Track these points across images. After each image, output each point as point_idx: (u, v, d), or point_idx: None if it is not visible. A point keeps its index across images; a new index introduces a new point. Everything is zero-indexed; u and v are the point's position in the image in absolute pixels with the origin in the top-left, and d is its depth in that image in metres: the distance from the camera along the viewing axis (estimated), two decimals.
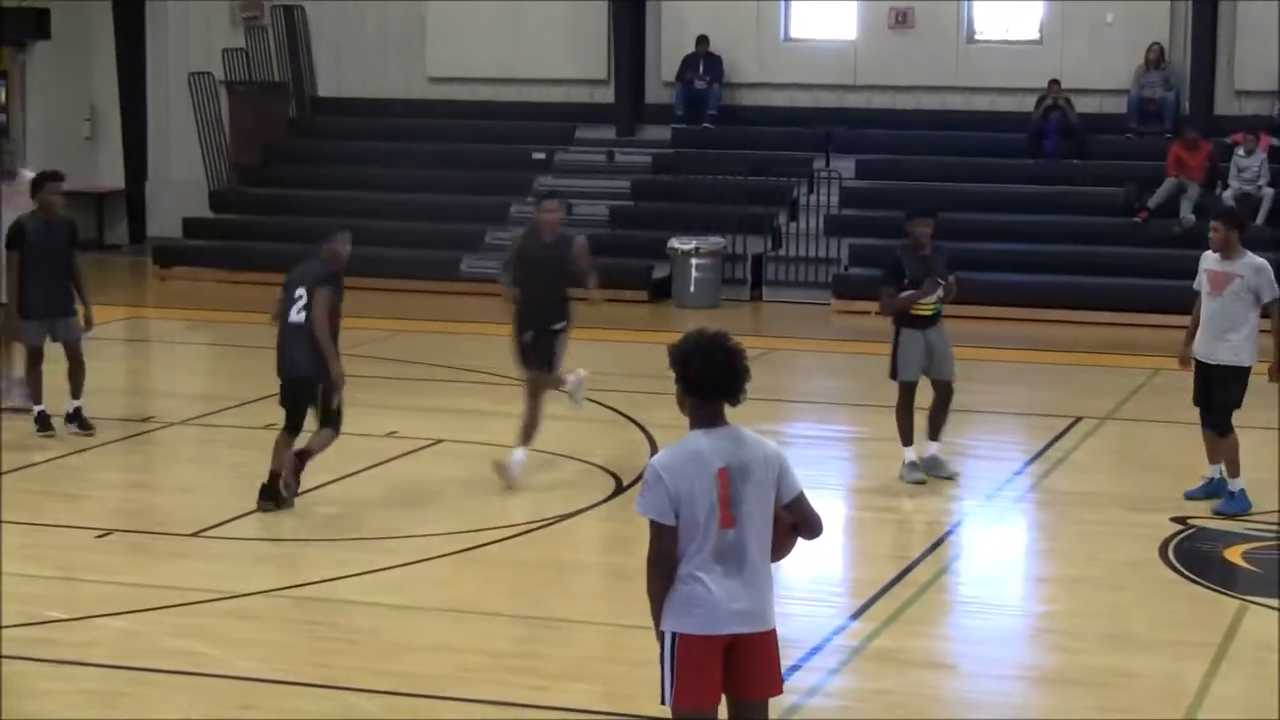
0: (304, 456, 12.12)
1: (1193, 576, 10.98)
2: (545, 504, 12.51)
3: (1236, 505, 12.19)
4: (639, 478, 12.75)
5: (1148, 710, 8.73)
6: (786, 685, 6.77)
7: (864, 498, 13.02)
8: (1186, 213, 22.27)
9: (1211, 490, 12.42)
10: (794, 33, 26.03)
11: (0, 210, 14.84)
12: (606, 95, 26.22)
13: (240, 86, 27.56)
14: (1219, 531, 11.90)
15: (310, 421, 12.27)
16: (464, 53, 26.80)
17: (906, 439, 13.16)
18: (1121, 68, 24.24)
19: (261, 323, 20.88)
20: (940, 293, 13.03)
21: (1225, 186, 22.38)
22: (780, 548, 6.52)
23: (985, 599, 10.78)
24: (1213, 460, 12.42)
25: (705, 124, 25.44)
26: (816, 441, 15.19)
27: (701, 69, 25.52)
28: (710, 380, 6.38)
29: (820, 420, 16.37)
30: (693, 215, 23.66)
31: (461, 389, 17.03)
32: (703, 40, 25.50)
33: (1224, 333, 12.04)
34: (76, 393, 14.45)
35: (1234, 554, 11.47)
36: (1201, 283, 12.19)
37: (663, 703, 6.52)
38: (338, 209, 25.34)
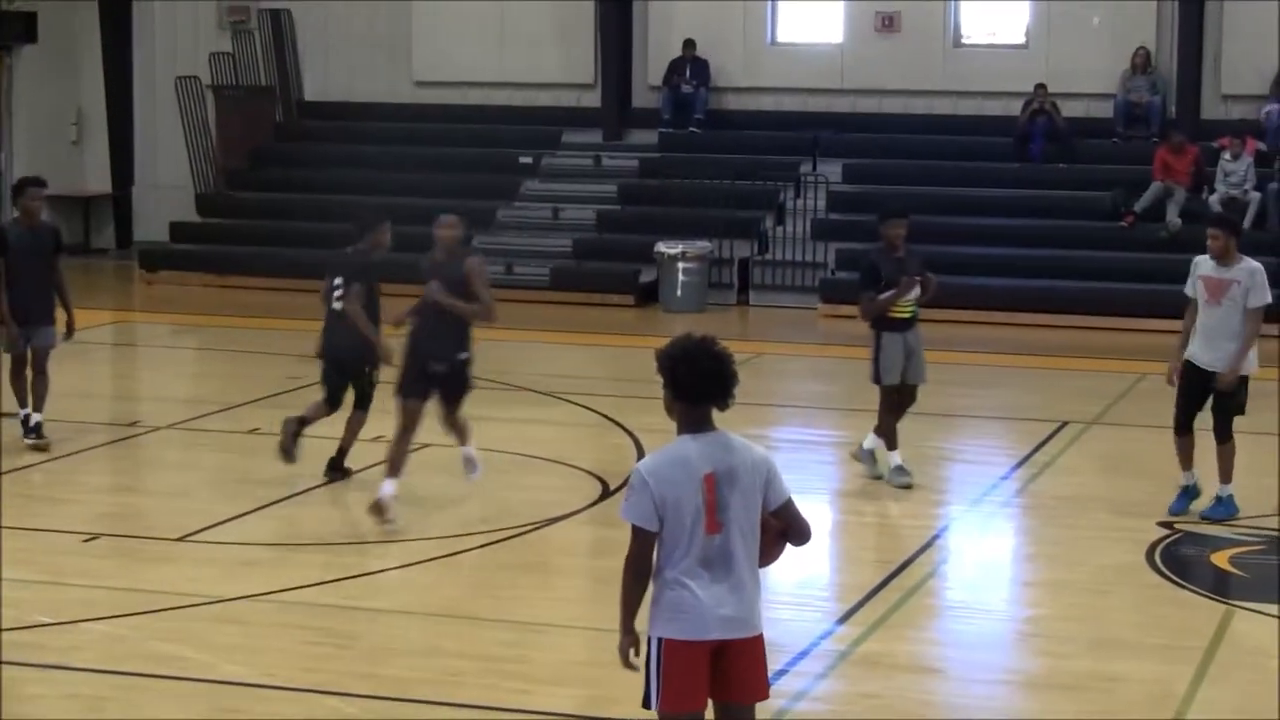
0: (302, 423, 13.03)
1: (1180, 581, 10.99)
2: (531, 508, 12.50)
3: (1224, 510, 12.17)
4: (625, 482, 12.80)
5: (1135, 715, 8.73)
6: (773, 690, 6.78)
7: (851, 502, 13.02)
8: (1173, 217, 22.31)
9: (1190, 496, 12.28)
10: (781, 36, 26.05)
11: None
12: (593, 99, 26.23)
13: (227, 90, 27.53)
14: (1206, 536, 11.90)
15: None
16: (450, 56, 26.81)
17: (891, 443, 13.16)
18: (1108, 71, 24.27)
19: (248, 326, 21.05)
20: (918, 291, 12.98)
21: (1212, 191, 22.41)
22: (768, 553, 6.52)
23: (972, 603, 10.79)
24: (1186, 466, 12.24)
25: (692, 128, 25.45)
26: (803, 446, 15.19)
27: (688, 73, 25.53)
28: (698, 385, 6.37)
29: (807, 425, 16.37)
30: (679, 219, 23.68)
31: None
32: (689, 44, 25.51)
33: (1226, 340, 11.90)
34: (38, 405, 14.13)
35: (1221, 559, 11.48)
36: (1198, 290, 12.03)
37: (646, 707, 6.52)
38: (325, 213, 25.35)
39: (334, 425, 13.15)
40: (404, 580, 10.86)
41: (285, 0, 27.50)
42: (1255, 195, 22.20)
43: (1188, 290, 12.15)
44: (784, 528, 6.51)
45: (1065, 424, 15.69)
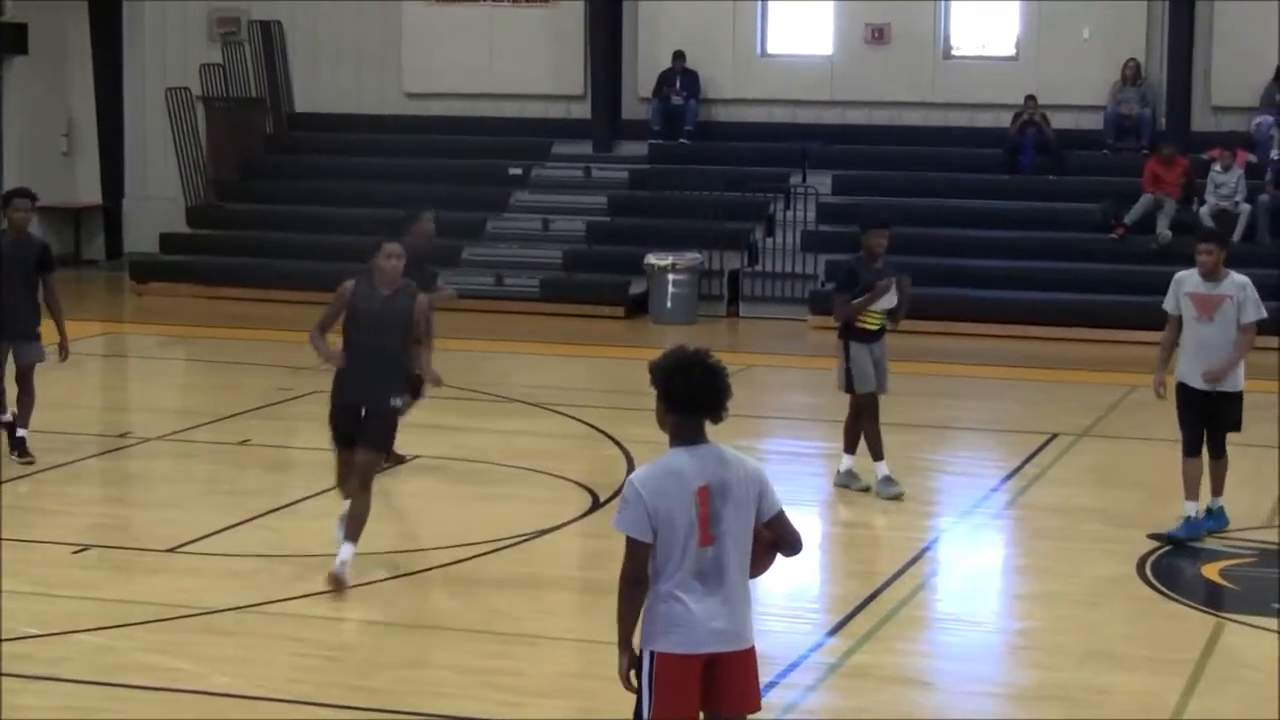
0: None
1: (1170, 593, 10.99)
2: (520, 520, 12.48)
3: (1215, 523, 12.11)
4: (616, 493, 12.80)
5: None
6: (764, 702, 6.77)
7: (840, 514, 13.03)
8: (1163, 229, 22.35)
9: (1192, 530, 11.96)
10: (771, 48, 26.08)
11: None
12: (583, 111, 26.24)
13: (217, 102, 27.54)
14: (1197, 549, 11.90)
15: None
16: (440, 68, 26.81)
17: (877, 454, 13.16)
18: (1098, 83, 24.32)
19: (238, 338, 21.03)
20: (893, 300, 12.97)
21: (1202, 203, 22.45)
22: (759, 565, 6.52)
23: (962, 615, 10.78)
24: (1191, 495, 11.98)
25: (682, 139, 25.47)
26: (793, 458, 15.19)
27: (678, 84, 25.56)
28: (692, 397, 6.37)
29: (797, 436, 16.37)
30: (669, 231, 23.69)
31: (437, 404, 16.92)
32: (679, 56, 25.53)
33: (1221, 356, 11.71)
34: (24, 421, 14.02)
35: (1211, 571, 11.49)
36: (1184, 307, 11.80)
37: (636, 718, 6.51)
38: (315, 224, 25.40)
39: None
40: (393, 592, 10.85)
41: (275, 12, 27.51)
42: (1246, 207, 22.24)
43: (1168, 307, 11.91)
44: (775, 539, 6.51)
45: (1056, 436, 15.70)
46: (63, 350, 14.04)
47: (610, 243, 24.38)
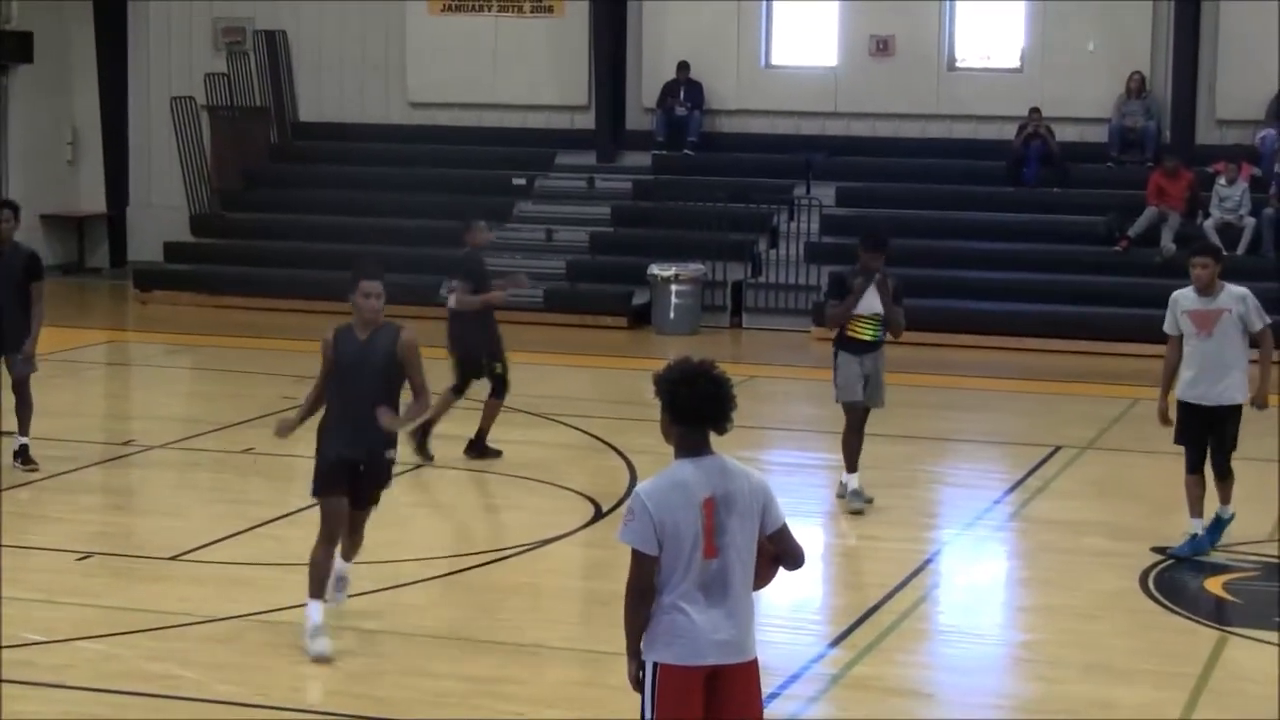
0: (429, 425, 14.12)
1: (1173, 607, 10.98)
2: (523, 529, 12.48)
3: (1213, 533, 12.04)
4: (618, 504, 12.81)
5: None
6: (765, 713, 6.76)
7: (844, 525, 13.02)
8: (1167, 242, 22.34)
9: (1197, 547, 11.92)
10: (775, 59, 26.09)
11: None
12: (587, 121, 26.26)
13: (222, 111, 27.55)
14: (1200, 562, 11.89)
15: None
16: (445, 78, 26.83)
17: (850, 465, 13.14)
18: (1103, 96, 24.32)
19: (242, 346, 21.04)
20: (875, 301, 12.80)
21: (1206, 216, 22.45)
22: (762, 577, 6.51)
23: (964, 627, 10.78)
24: (1195, 512, 11.92)
25: (686, 150, 25.48)
26: (796, 469, 15.19)
27: (682, 95, 25.57)
28: (697, 409, 6.36)
29: (800, 448, 16.37)
30: (673, 241, 23.70)
31: (441, 414, 16.97)
32: (684, 66, 25.54)
33: (1225, 372, 11.62)
34: (24, 429, 14.02)
35: (1214, 584, 11.48)
36: (1183, 325, 11.69)
37: None
38: (319, 233, 25.42)
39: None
40: (394, 601, 10.84)
41: (280, 21, 27.54)
42: (1250, 221, 22.25)
43: (1168, 328, 11.79)
44: (778, 553, 6.51)
45: (1059, 448, 15.69)
46: (27, 357, 13.88)
47: (613, 253, 24.38)
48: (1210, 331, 11.64)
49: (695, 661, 6.33)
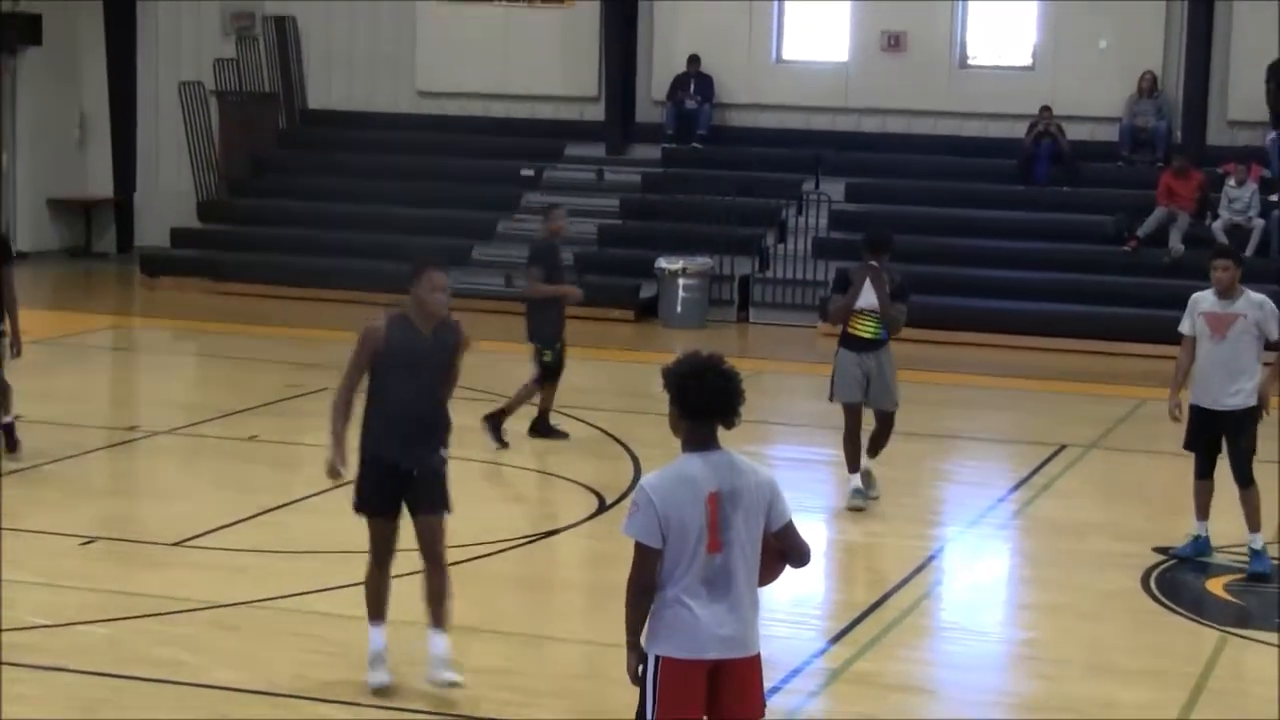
0: (498, 416, 14.49)
1: (1174, 607, 10.98)
2: (527, 521, 12.49)
3: (1261, 564, 11.59)
4: (622, 497, 12.81)
5: None
6: (766, 708, 6.76)
7: (847, 521, 13.01)
8: (1176, 242, 22.32)
9: (1199, 549, 11.85)
10: (786, 54, 26.08)
11: None
12: (597, 113, 26.25)
13: (230, 97, 27.56)
14: (1202, 563, 11.88)
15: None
16: (454, 67, 26.84)
17: (850, 466, 13.07)
18: (1114, 95, 24.30)
19: (248, 333, 21.04)
20: (871, 295, 12.66)
21: (1215, 217, 22.42)
22: (767, 573, 6.51)
23: (966, 625, 10.78)
24: (1201, 515, 11.80)
25: (695, 144, 25.47)
26: (801, 464, 15.19)
27: (693, 88, 25.56)
28: (706, 403, 6.35)
29: (806, 443, 16.36)
30: (681, 235, 23.69)
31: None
32: (694, 60, 25.53)
33: (1235, 377, 11.42)
34: (5, 409, 13.81)
35: (1215, 585, 11.47)
36: (1198, 327, 11.53)
37: None
38: (326, 221, 25.42)
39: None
40: (398, 590, 10.81)
41: (290, 8, 27.54)
42: (1259, 223, 22.22)
43: (1184, 329, 11.63)
44: (783, 549, 6.50)
45: (1064, 447, 15.69)
46: (15, 347, 13.67)
47: (621, 246, 24.37)
48: (1224, 335, 11.45)
49: (698, 655, 6.33)
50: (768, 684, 6.75)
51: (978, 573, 12.16)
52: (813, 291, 23.14)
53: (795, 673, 9.39)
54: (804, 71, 25.86)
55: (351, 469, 8.96)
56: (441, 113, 26.98)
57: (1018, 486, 14.30)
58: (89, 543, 11.60)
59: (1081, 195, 23.86)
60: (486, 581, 11.21)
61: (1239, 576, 11.61)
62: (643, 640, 6.41)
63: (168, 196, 27.62)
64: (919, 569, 11.83)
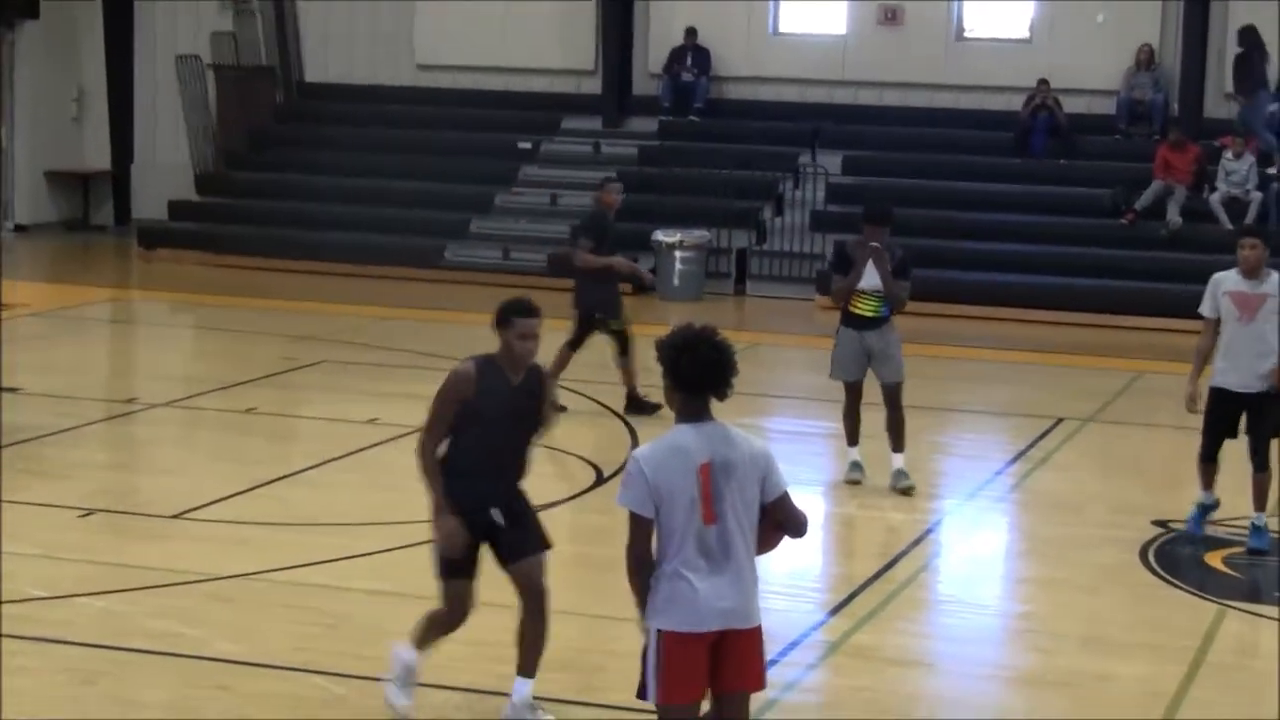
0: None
1: (1172, 580, 11.00)
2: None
3: (1260, 540, 11.51)
4: (619, 469, 12.80)
5: (1125, 713, 8.74)
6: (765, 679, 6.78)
7: (844, 494, 13.01)
8: (1173, 215, 22.32)
9: (1209, 509, 11.66)
10: (783, 27, 26.05)
11: None
12: (594, 86, 26.21)
13: (228, 70, 27.50)
14: (1200, 536, 11.89)
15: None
16: (452, 41, 26.80)
17: (850, 439, 13.05)
18: (1111, 68, 24.28)
19: (245, 306, 21.03)
20: (874, 276, 12.54)
21: (1213, 190, 22.42)
22: (765, 543, 6.53)
23: (964, 598, 10.80)
24: (1207, 486, 11.62)
25: (692, 117, 25.44)
26: (798, 437, 15.20)
27: (689, 61, 25.52)
28: (698, 375, 6.38)
29: (802, 416, 16.37)
30: (678, 208, 23.67)
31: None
32: (691, 33, 25.49)
33: (1262, 359, 11.14)
34: None
35: (1214, 559, 11.48)
36: (1223, 308, 11.24)
37: (640, 697, 6.53)
38: (323, 194, 25.40)
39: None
40: (396, 562, 10.86)
41: None
42: (1257, 195, 22.21)
43: (1206, 311, 11.34)
44: (780, 520, 6.51)
45: (1061, 420, 15.70)
46: None
47: (618, 219, 24.24)
48: (1253, 316, 11.14)
49: (698, 628, 6.35)
50: (766, 656, 6.76)
51: (975, 546, 12.17)
52: (810, 264, 23.15)
53: (793, 645, 9.41)
54: (801, 44, 25.83)
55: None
56: (439, 86, 26.95)
57: (1015, 460, 14.31)
58: (87, 515, 11.61)
59: (1079, 168, 23.85)
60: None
61: (1239, 550, 11.62)
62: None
63: (165, 170, 27.59)
64: (916, 542, 11.85)
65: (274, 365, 16.95)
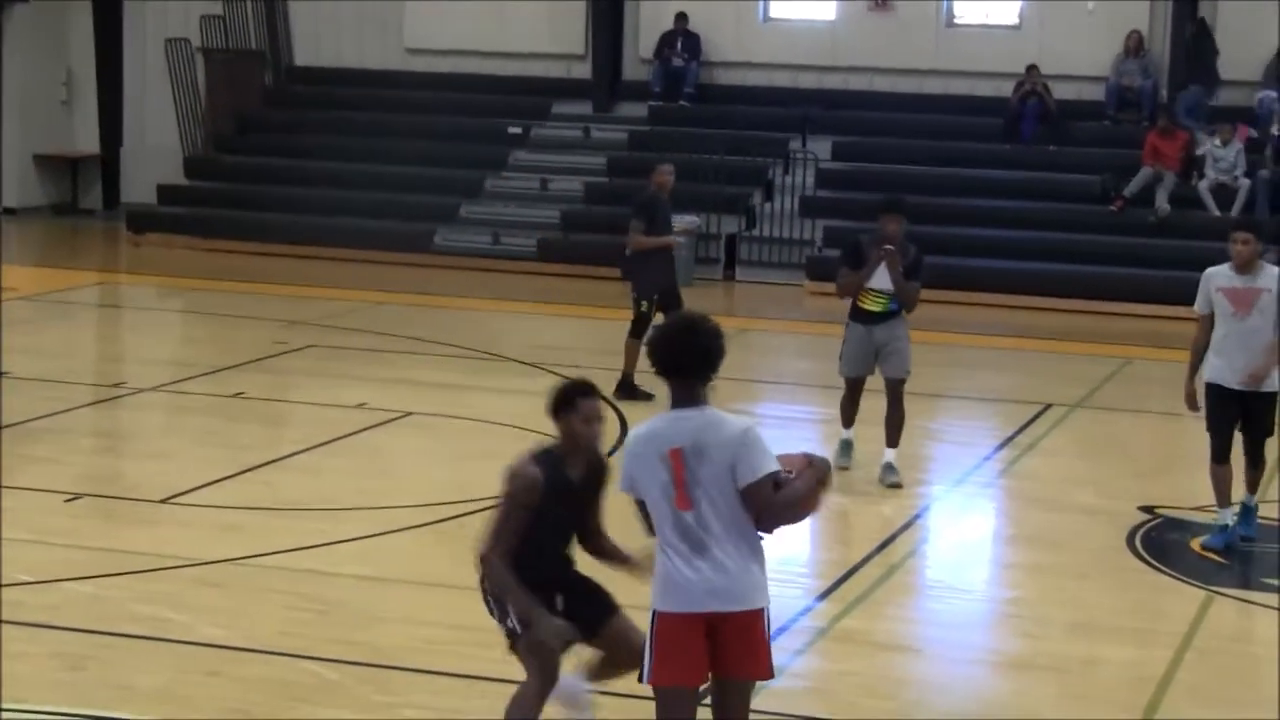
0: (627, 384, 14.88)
1: (1159, 566, 11.02)
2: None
3: (1247, 525, 11.44)
4: (611, 453, 12.80)
5: (1112, 697, 8.76)
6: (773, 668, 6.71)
7: (833, 479, 13.00)
8: (1162, 202, 22.33)
9: (1228, 538, 11.30)
10: (773, 12, 26.03)
11: None
12: (584, 71, 26.19)
13: (217, 54, 27.45)
14: (1187, 522, 11.92)
15: None
16: (442, 25, 26.75)
17: (845, 422, 13.04)
18: (1100, 55, 24.27)
19: (234, 290, 21.02)
20: (885, 278, 12.48)
21: (1202, 176, 22.43)
22: (766, 524, 6.42)
23: (952, 583, 10.82)
24: (1224, 502, 11.27)
25: (682, 102, 25.42)
26: (787, 422, 15.21)
27: (680, 46, 25.50)
28: (673, 361, 6.39)
29: (790, 401, 16.39)
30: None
31: (433, 362, 17.01)
32: (682, 18, 25.47)
33: (1257, 355, 10.92)
34: None
35: (1200, 544, 11.50)
36: (1217, 303, 11.02)
37: (640, 680, 6.55)
38: (313, 179, 25.37)
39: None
40: (384, 548, 10.86)
41: None
42: (1245, 182, 22.23)
43: (1199, 307, 11.13)
44: (754, 510, 6.35)
45: (1049, 406, 15.72)
46: None
47: (608, 204, 24.31)
48: (1249, 310, 10.95)
49: (689, 609, 6.36)
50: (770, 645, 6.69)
51: (964, 531, 12.20)
52: (799, 250, 23.15)
53: (781, 630, 9.40)
54: (791, 30, 25.81)
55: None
56: (429, 70, 26.90)
57: (1003, 445, 14.33)
58: (74, 499, 11.61)
59: (1068, 154, 23.86)
60: (471, 538, 11.12)
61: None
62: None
63: (154, 153, 27.53)
64: (904, 527, 11.86)
65: (263, 350, 16.93)
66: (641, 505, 6.49)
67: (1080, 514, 12.25)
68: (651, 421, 6.46)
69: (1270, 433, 11.29)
